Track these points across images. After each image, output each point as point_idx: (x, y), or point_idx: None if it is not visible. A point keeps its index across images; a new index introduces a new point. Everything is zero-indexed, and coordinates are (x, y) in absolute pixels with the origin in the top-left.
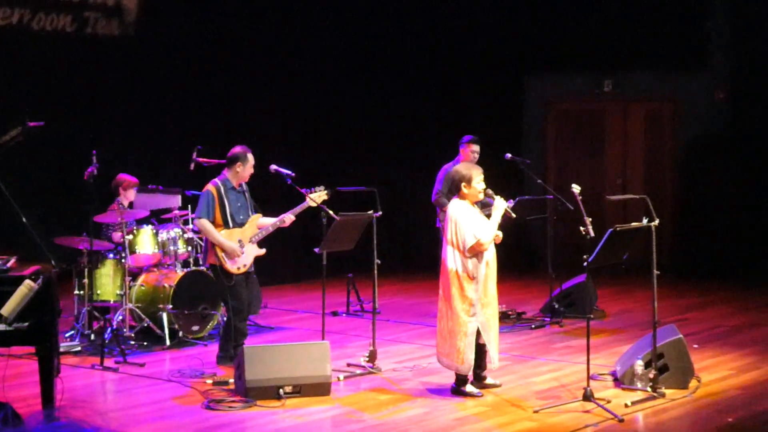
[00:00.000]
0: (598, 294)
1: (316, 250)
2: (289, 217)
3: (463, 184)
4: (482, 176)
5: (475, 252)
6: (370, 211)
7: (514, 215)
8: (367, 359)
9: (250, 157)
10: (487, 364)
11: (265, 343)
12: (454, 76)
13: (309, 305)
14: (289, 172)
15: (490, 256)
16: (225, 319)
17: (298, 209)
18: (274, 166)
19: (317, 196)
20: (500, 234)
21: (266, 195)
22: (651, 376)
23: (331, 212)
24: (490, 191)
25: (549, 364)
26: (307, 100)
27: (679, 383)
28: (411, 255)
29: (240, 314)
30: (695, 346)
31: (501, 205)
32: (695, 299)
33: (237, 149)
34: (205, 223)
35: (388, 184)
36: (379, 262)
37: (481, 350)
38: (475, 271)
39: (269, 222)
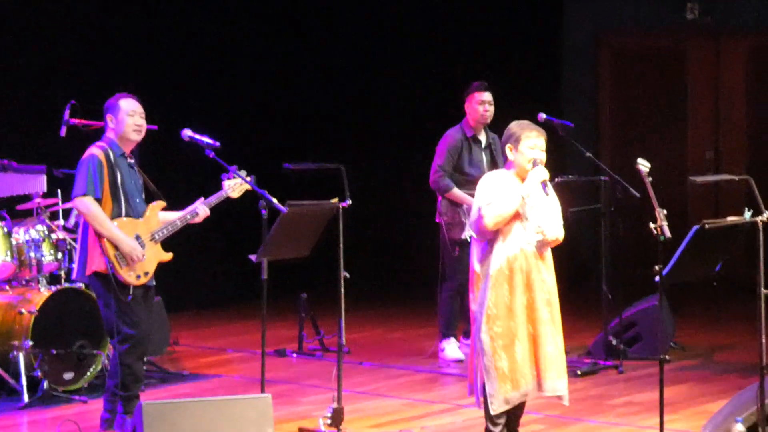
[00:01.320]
0: (678, 324)
1: (253, 258)
2: (202, 209)
3: (508, 145)
4: (541, 140)
5: (488, 235)
6: (334, 199)
7: (548, 192)
8: (330, 422)
9: (125, 104)
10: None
11: (174, 397)
12: (460, 3)
13: (242, 341)
14: (211, 140)
15: (514, 249)
16: (114, 360)
17: (214, 199)
18: (188, 132)
19: (233, 185)
20: (559, 232)
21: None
22: None
23: (274, 200)
24: (538, 160)
25: (603, 429)
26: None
27: None
28: (397, 265)
29: (136, 348)
30: None
31: (535, 175)
32: None
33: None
34: (90, 203)
35: (362, 161)
36: (347, 275)
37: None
38: (483, 267)
39: (175, 216)
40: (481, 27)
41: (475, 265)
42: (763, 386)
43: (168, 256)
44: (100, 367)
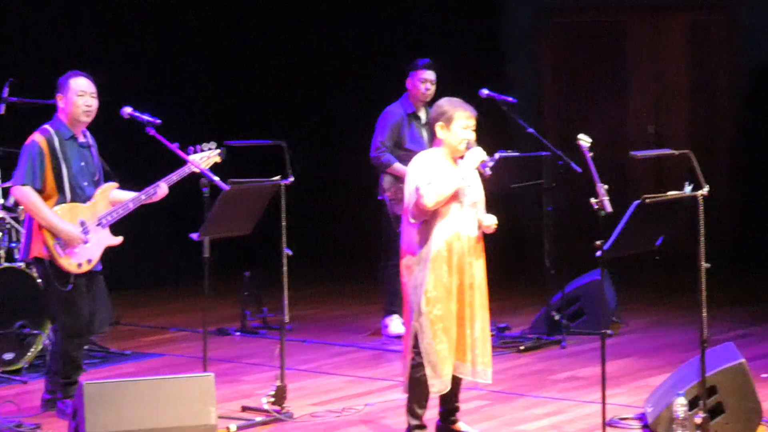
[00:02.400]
0: (620, 299)
1: (194, 236)
2: (161, 188)
3: (439, 123)
4: (472, 119)
5: (424, 216)
6: (277, 177)
7: (489, 173)
8: (273, 400)
9: (75, 83)
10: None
11: (117, 377)
12: None
13: (184, 320)
14: (151, 117)
15: (451, 231)
16: (54, 346)
17: (175, 176)
18: (128, 109)
19: (203, 158)
20: (493, 220)
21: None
22: (698, 420)
23: (216, 178)
24: (471, 140)
25: (546, 404)
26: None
27: (739, 431)
28: (340, 242)
29: (74, 336)
30: (764, 375)
31: (473, 155)
32: (764, 305)
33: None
34: (28, 193)
35: (304, 138)
36: (290, 252)
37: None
38: (423, 249)
39: (128, 197)
40: (423, 2)
41: (411, 247)
42: (704, 360)
43: (117, 240)
44: (40, 347)
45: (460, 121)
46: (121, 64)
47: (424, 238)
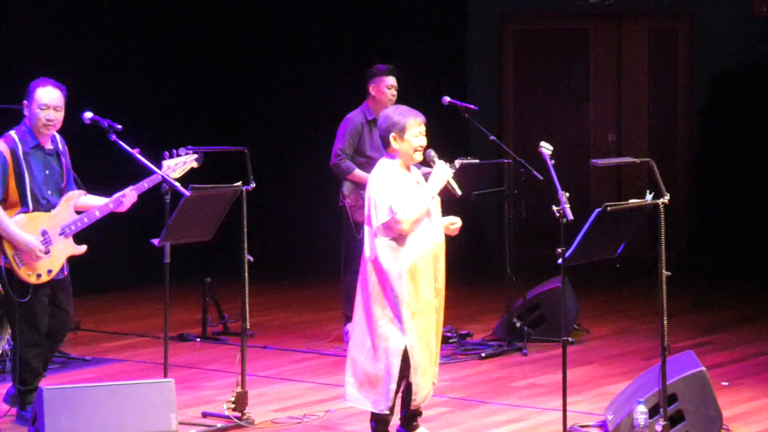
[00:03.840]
0: (581, 306)
1: (155, 241)
2: (129, 196)
3: (392, 134)
4: (423, 126)
5: (394, 233)
6: (238, 183)
7: (459, 192)
8: (234, 406)
9: (39, 94)
10: (413, 401)
11: (76, 382)
12: None
13: (145, 325)
14: (112, 123)
15: (423, 245)
16: (14, 353)
17: (146, 183)
18: (89, 114)
19: (179, 163)
20: (453, 219)
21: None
22: (659, 429)
23: (177, 184)
24: (432, 153)
25: (507, 411)
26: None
27: None
28: (300, 249)
29: (33, 347)
30: (724, 383)
31: (441, 174)
32: (724, 313)
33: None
34: None
35: (265, 144)
36: (251, 259)
37: (409, 381)
38: (396, 264)
39: (97, 204)
40: (386, 9)
41: (383, 260)
42: (665, 367)
43: (80, 249)
44: None
45: (413, 129)
46: (83, 69)
47: (398, 252)
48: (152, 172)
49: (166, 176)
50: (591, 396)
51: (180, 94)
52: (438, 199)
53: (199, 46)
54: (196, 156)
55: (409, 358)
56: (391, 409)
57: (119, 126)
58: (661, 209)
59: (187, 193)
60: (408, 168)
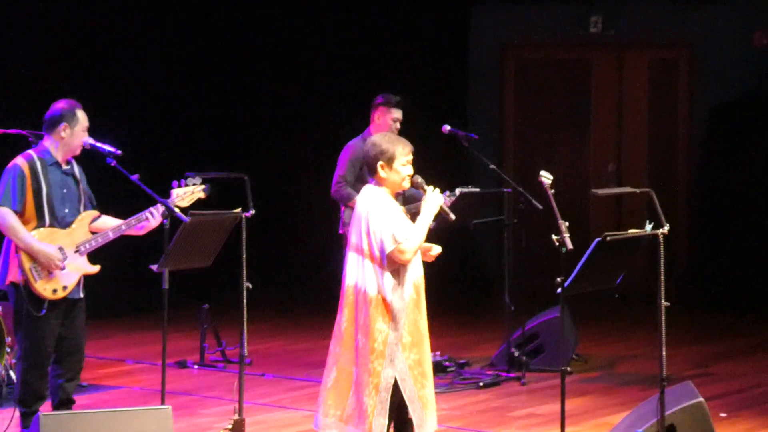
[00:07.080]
0: (580, 336)
1: (154, 267)
2: (156, 217)
3: (380, 163)
4: (411, 155)
5: (395, 265)
6: (237, 209)
7: (453, 217)
8: None
9: (81, 115)
10: None
11: (73, 409)
12: (365, 11)
13: (143, 352)
14: (112, 148)
15: (417, 274)
16: (17, 374)
17: (158, 211)
18: (89, 140)
19: (186, 192)
20: (437, 248)
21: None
22: None
23: (176, 210)
24: (420, 179)
25: None
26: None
27: None
28: (300, 276)
29: (36, 367)
30: (723, 414)
31: (434, 201)
32: (723, 344)
33: (60, 104)
34: (7, 215)
35: (266, 171)
36: (249, 286)
37: (402, 416)
38: (395, 295)
39: (111, 225)
40: (388, 38)
41: (385, 293)
42: (664, 398)
43: (94, 269)
44: None
45: (401, 158)
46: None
47: (397, 283)
48: (153, 198)
49: (165, 202)
50: (589, 426)
51: (181, 121)
52: None
53: (199, 73)
54: (203, 186)
55: (401, 392)
56: None
57: (119, 152)
58: (661, 239)
59: (185, 218)
60: (395, 196)
